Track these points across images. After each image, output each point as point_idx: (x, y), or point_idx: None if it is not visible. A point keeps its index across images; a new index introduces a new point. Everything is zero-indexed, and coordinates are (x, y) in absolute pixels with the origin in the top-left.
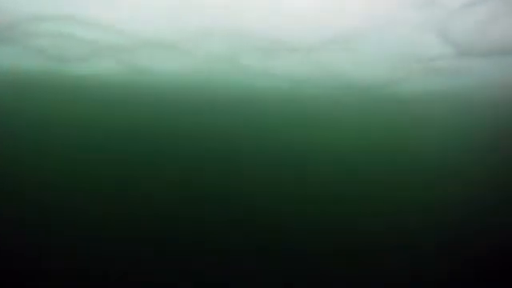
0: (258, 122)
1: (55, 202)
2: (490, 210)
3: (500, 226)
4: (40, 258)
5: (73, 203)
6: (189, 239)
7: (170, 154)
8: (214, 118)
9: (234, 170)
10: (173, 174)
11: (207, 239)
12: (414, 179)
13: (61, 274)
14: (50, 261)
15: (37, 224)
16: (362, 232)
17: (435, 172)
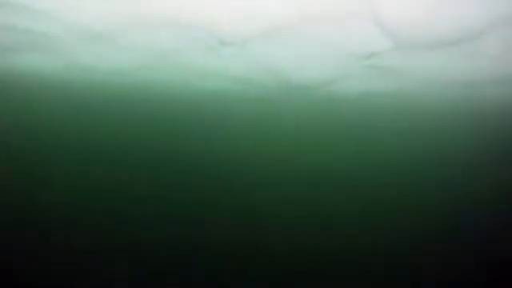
0: (194, 125)
1: None
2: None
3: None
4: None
5: None
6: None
7: (103, 156)
8: (148, 120)
9: (165, 177)
10: (107, 177)
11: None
12: (354, 183)
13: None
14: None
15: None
16: (285, 235)
17: (376, 174)
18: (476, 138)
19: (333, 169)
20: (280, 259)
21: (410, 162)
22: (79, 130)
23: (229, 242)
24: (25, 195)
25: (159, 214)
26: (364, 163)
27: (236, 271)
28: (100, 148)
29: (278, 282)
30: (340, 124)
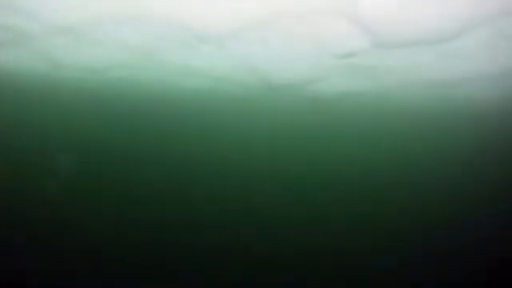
0: (173, 125)
1: None
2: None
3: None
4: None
5: None
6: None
7: (75, 156)
8: (127, 120)
9: (144, 179)
10: (83, 177)
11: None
12: (342, 182)
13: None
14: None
15: None
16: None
17: (364, 174)
18: (459, 137)
19: (319, 169)
20: (276, 260)
21: (395, 162)
22: (51, 128)
23: (213, 243)
24: None
25: (135, 215)
26: (351, 163)
27: (228, 272)
28: (72, 148)
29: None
30: (323, 124)
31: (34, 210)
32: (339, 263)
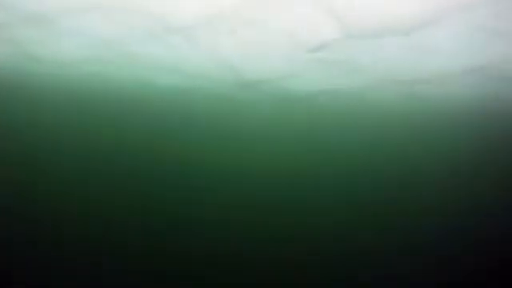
0: (142, 123)
1: None
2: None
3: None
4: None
5: None
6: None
7: (41, 155)
8: (95, 118)
9: (108, 180)
10: (42, 177)
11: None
12: (312, 185)
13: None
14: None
15: None
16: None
17: (335, 178)
18: (430, 136)
19: (293, 169)
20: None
21: (369, 162)
22: (21, 126)
23: (184, 249)
24: None
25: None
26: (326, 163)
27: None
28: (39, 147)
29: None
30: (296, 123)
31: None
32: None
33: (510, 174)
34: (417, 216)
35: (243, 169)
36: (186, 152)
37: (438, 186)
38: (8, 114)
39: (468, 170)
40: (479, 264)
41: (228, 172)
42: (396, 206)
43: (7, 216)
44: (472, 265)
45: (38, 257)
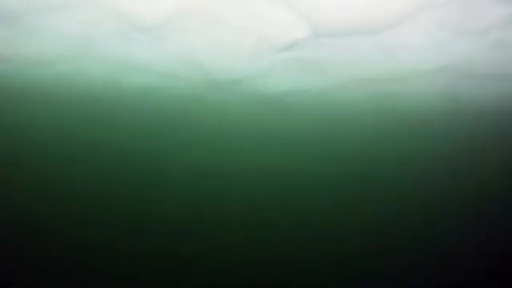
0: (114, 124)
1: None
2: None
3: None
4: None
5: None
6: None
7: (11, 156)
8: (66, 119)
9: (80, 181)
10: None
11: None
12: (288, 185)
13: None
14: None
15: None
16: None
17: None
18: (402, 137)
19: (266, 169)
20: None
21: (344, 162)
22: None
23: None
24: None
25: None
26: (297, 162)
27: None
28: (8, 146)
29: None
30: (266, 125)
31: None
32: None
33: (480, 171)
34: (386, 214)
35: (211, 168)
36: (153, 150)
37: (407, 185)
38: None
39: (437, 167)
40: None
41: (195, 170)
42: (361, 204)
43: None
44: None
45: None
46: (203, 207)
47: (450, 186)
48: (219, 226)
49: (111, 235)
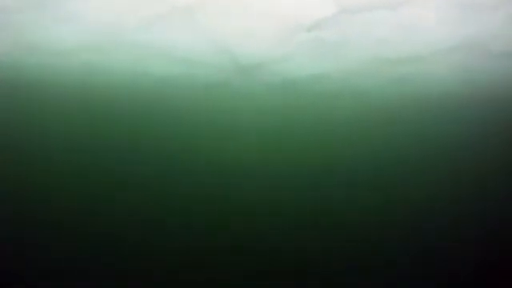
0: (145, 117)
1: None
2: None
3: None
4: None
5: None
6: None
7: (42, 151)
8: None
9: (108, 177)
10: (44, 172)
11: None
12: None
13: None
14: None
15: None
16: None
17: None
18: (418, 122)
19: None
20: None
21: (366, 150)
22: (19, 120)
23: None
24: None
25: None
26: (320, 154)
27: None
28: (33, 139)
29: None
30: (292, 112)
31: None
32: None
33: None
34: (412, 204)
35: (239, 157)
36: (184, 137)
37: (427, 175)
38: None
39: (459, 155)
40: (479, 263)
41: (224, 157)
42: (384, 194)
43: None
44: (472, 264)
45: (37, 255)
46: (229, 197)
47: (473, 172)
48: (248, 217)
49: (162, 235)
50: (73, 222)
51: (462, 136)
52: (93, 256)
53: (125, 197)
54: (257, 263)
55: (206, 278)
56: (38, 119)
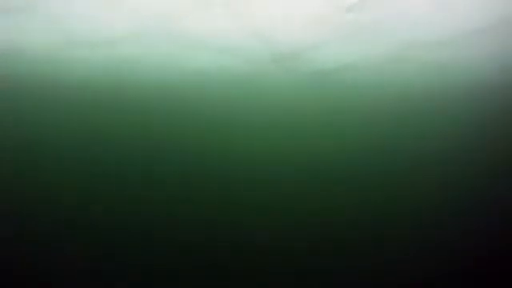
0: (190, 114)
1: None
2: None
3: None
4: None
5: None
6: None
7: (86, 151)
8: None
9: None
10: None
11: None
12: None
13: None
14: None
15: None
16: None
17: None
18: (453, 112)
19: (335, 162)
20: (273, 257)
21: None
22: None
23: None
24: None
25: (164, 214)
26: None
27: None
28: (86, 141)
29: (274, 280)
30: (328, 102)
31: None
32: (335, 259)
33: None
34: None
35: (276, 147)
36: (223, 128)
37: (479, 168)
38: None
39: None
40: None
41: (261, 149)
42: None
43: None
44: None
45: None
46: (266, 190)
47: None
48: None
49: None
50: (103, 223)
51: (507, 127)
52: (105, 254)
53: (163, 196)
54: (270, 262)
55: (221, 276)
56: (75, 115)
